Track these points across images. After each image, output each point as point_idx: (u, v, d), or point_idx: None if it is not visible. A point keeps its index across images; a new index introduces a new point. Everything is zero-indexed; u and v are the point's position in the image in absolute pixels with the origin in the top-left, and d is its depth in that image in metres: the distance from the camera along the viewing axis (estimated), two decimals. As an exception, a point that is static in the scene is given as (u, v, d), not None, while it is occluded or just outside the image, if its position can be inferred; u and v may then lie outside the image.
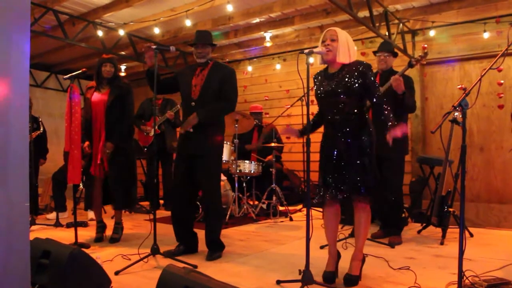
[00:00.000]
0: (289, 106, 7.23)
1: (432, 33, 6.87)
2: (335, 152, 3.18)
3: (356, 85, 3.11)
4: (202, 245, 4.21)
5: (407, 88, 4.42)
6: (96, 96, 4.69)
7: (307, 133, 3.21)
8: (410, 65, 4.47)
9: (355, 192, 3.14)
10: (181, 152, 4.12)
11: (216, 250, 4.08)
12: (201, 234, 4.22)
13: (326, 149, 3.24)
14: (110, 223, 4.95)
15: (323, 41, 3.22)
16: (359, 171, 3.11)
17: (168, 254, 3.90)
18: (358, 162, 3.12)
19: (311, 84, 3.30)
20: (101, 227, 4.87)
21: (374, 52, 4.86)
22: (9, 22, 1.85)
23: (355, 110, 3.16)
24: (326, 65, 3.35)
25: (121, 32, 7.11)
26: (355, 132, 3.15)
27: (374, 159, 3.20)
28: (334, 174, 3.18)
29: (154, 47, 3.90)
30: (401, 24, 6.59)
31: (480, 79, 2.83)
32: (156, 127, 6.67)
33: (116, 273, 3.44)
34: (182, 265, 3.26)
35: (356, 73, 3.13)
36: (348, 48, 3.19)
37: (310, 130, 3.23)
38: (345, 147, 3.15)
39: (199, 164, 4.01)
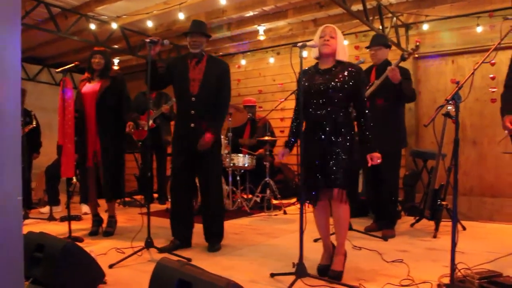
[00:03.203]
0: (282, 99, 7.22)
1: (425, 27, 6.88)
2: (318, 152, 3.18)
3: (348, 85, 3.15)
4: (196, 239, 4.22)
5: (404, 79, 4.44)
6: (87, 88, 4.70)
7: (293, 144, 3.48)
8: (403, 58, 4.48)
9: (330, 186, 3.15)
10: (181, 148, 4.09)
11: (218, 241, 4.16)
12: (195, 227, 4.25)
13: (309, 150, 3.21)
14: (103, 217, 4.94)
15: (321, 37, 3.24)
16: (336, 166, 3.12)
17: (164, 250, 3.89)
18: (336, 157, 3.13)
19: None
20: (97, 220, 4.88)
21: (367, 47, 4.89)
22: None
23: (342, 109, 3.18)
24: (317, 61, 3.37)
25: (114, 26, 7.07)
26: (339, 130, 3.16)
27: (354, 160, 3.20)
28: (316, 173, 3.18)
29: (147, 40, 3.87)
30: (394, 18, 6.59)
31: (473, 73, 2.84)
32: (151, 121, 6.68)
33: (110, 266, 3.44)
34: (176, 258, 3.26)
35: (349, 74, 3.18)
36: (344, 47, 3.29)
37: (295, 140, 3.46)
38: (328, 144, 3.16)
39: (203, 158, 4.03)
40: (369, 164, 3.20)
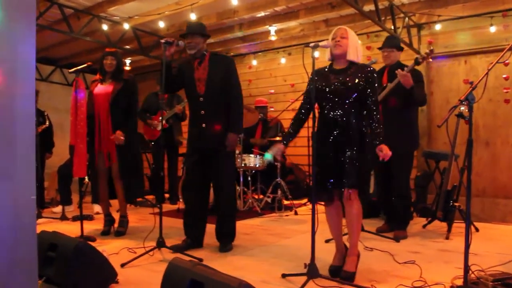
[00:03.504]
0: (294, 100, 7.21)
1: (438, 27, 6.83)
2: (331, 152, 3.18)
3: (362, 85, 3.16)
4: (207, 239, 4.23)
5: (416, 81, 4.42)
6: (99, 89, 4.71)
7: (290, 139, 3.41)
8: (417, 63, 4.46)
9: (343, 187, 3.14)
10: (196, 146, 4.09)
11: (229, 241, 4.18)
12: (207, 227, 4.26)
13: (322, 149, 3.20)
14: (115, 217, 4.96)
15: (333, 38, 3.26)
16: (349, 166, 3.12)
17: (176, 249, 3.91)
18: (349, 157, 3.13)
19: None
20: (109, 220, 4.90)
21: (379, 48, 4.88)
22: (15, 16, 1.85)
23: (356, 109, 3.19)
24: (330, 62, 3.38)
25: (126, 26, 7.10)
26: (352, 129, 3.16)
27: (367, 160, 3.20)
28: (329, 173, 3.18)
29: (163, 41, 3.89)
30: (406, 18, 6.55)
31: (487, 73, 2.82)
32: (164, 121, 6.70)
33: (122, 265, 3.46)
34: (188, 258, 3.27)
35: (363, 75, 3.18)
36: (357, 48, 3.27)
37: (295, 132, 3.42)
38: (341, 144, 3.16)
39: (215, 158, 4.04)
40: (380, 158, 3.11)
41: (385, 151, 3.09)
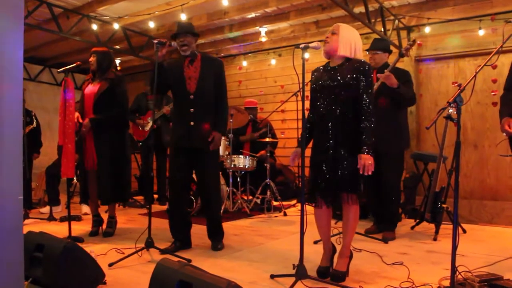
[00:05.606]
0: (284, 101, 7.23)
1: (427, 29, 6.88)
2: (328, 153, 3.14)
3: (353, 82, 3.10)
4: (195, 240, 4.22)
5: (405, 81, 4.45)
6: (88, 89, 4.71)
7: (304, 145, 3.17)
8: (401, 55, 4.50)
9: (343, 189, 3.13)
10: (182, 146, 4.03)
11: (221, 239, 4.22)
12: (195, 228, 4.24)
13: (318, 150, 3.20)
14: (104, 217, 4.93)
15: (326, 36, 3.25)
16: (349, 169, 3.09)
17: (166, 252, 3.88)
18: (346, 159, 3.09)
19: (308, 79, 3.28)
20: (97, 221, 4.86)
21: (366, 50, 4.87)
22: (2, 15, 1.84)
23: (351, 107, 3.13)
24: (327, 61, 3.35)
25: (116, 26, 7.07)
26: (348, 129, 3.12)
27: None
28: (326, 175, 3.14)
29: (155, 41, 3.87)
30: (396, 21, 6.59)
31: (475, 76, 2.84)
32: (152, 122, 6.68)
33: (110, 265, 3.44)
34: (176, 259, 3.26)
35: (355, 71, 3.12)
36: (350, 43, 3.20)
37: (306, 140, 3.27)
38: (336, 145, 3.12)
39: (202, 157, 4.03)
40: (358, 165, 3.02)
41: (363, 161, 2.98)
